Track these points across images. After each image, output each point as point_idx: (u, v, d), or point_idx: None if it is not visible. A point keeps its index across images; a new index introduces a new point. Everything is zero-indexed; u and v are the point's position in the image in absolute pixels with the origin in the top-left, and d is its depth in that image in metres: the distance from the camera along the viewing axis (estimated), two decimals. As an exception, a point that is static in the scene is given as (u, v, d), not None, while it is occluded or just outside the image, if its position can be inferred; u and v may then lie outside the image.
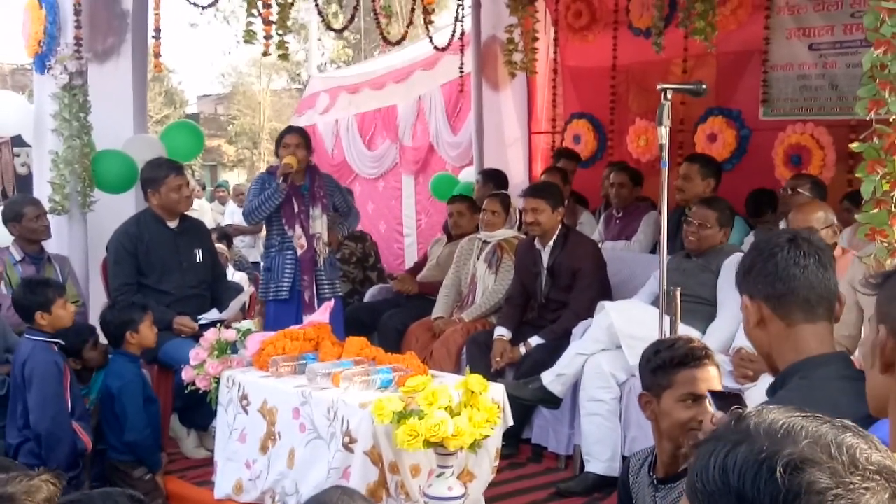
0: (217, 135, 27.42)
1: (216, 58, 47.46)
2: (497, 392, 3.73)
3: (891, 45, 2.24)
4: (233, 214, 11.04)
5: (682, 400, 2.49)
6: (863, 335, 1.44)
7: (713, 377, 2.50)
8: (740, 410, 1.05)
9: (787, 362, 1.94)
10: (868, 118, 2.29)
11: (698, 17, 4.66)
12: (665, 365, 2.53)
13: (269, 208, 5.25)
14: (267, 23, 4.79)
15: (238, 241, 9.91)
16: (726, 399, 2.09)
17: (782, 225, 4.79)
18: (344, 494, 1.87)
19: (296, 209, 5.27)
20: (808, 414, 1.02)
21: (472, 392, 3.34)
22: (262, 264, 5.61)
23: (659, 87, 2.98)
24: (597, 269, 5.05)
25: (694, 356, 2.51)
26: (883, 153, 2.31)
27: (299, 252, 5.28)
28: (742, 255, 4.55)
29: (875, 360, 1.40)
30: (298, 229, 5.27)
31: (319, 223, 5.33)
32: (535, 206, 5.03)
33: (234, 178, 25.41)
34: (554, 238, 5.07)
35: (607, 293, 5.08)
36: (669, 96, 2.96)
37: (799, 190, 5.10)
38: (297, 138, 5.34)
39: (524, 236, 5.55)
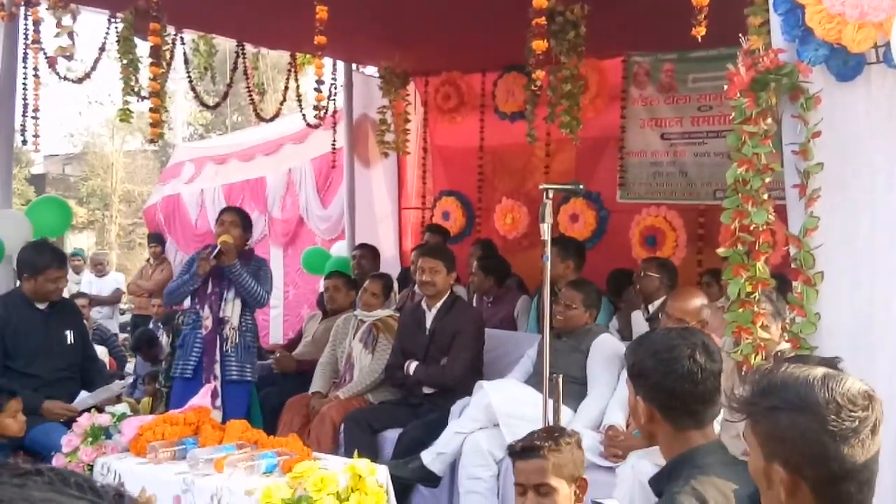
0: (65, 195, 26.27)
1: (67, 117, 45.73)
2: (382, 474, 3.78)
3: (751, 163, 2.54)
4: (90, 284, 10.62)
5: (517, 491, 2.68)
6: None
7: (537, 470, 2.60)
8: None
9: (673, 452, 2.14)
10: (732, 227, 2.57)
11: (564, 112, 5.01)
12: (510, 456, 2.75)
13: (186, 292, 5.20)
14: (154, 110, 4.76)
15: (95, 312, 9.55)
16: None
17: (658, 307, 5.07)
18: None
19: (209, 290, 5.16)
20: None
21: (360, 476, 3.40)
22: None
23: (541, 186, 3.19)
24: (476, 334, 5.23)
25: (524, 449, 2.66)
26: (746, 258, 2.59)
27: (203, 333, 5.15)
28: (608, 336, 4.84)
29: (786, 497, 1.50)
30: (207, 310, 5.15)
31: (231, 307, 5.17)
32: (433, 266, 5.21)
33: (84, 240, 24.45)
34: (442, 301, 5.24)
35: (480, 363, 5.24)
36: (551, 195, 3.17)
37: (649, 273, 5.42)
38: (233, 216, 5.26)
39: (398, 314, 5.68)
